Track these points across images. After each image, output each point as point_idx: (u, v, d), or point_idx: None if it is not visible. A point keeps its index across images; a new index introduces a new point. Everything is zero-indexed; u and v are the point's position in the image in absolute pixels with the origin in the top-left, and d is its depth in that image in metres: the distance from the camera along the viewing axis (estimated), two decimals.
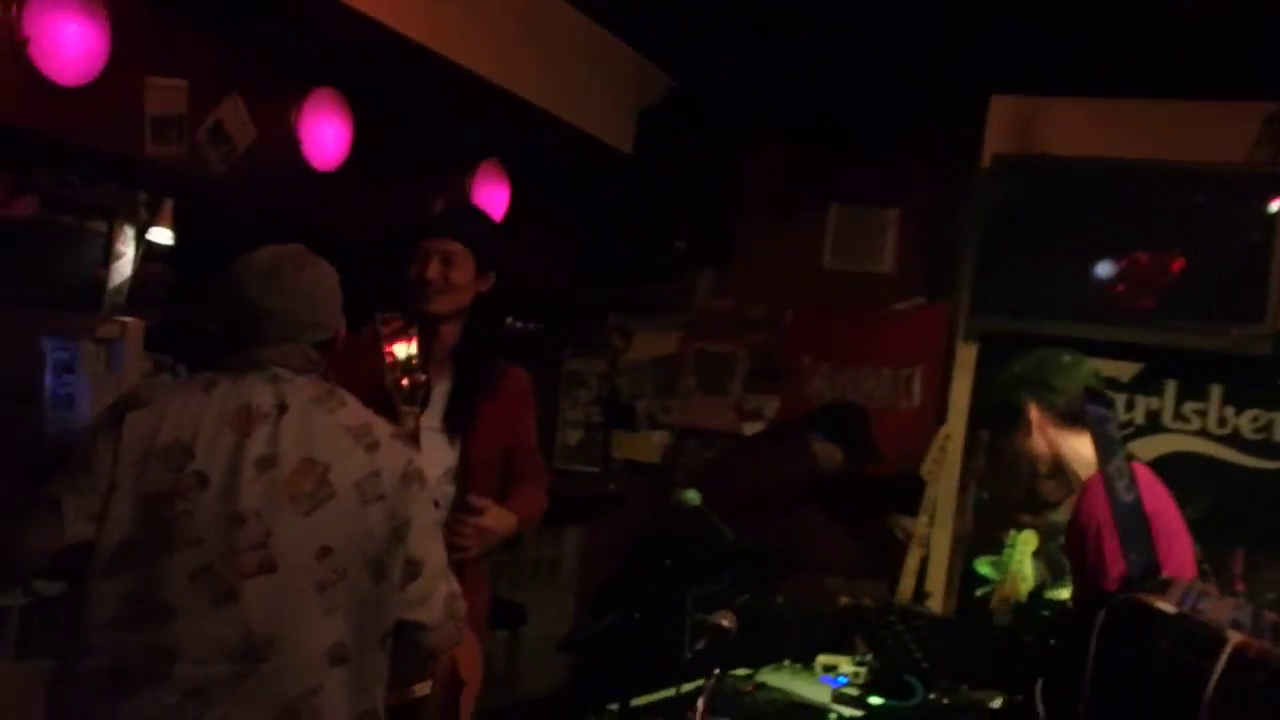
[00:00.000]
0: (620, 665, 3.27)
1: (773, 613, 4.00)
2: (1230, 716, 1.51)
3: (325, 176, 4.04)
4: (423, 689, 2.49)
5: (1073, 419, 2.61)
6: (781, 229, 5.25)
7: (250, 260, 2.10)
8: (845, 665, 3.65)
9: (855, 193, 5.15)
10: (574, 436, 5.62)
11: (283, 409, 2.01)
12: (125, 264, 3.82)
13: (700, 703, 2.23)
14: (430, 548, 2.11)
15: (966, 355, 4.77)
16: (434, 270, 2.78)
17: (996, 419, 2.87)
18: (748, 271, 5.31)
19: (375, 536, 2.02)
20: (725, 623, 2.39)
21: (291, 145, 3.89)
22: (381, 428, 2.11)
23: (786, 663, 3.74)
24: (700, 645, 2.33)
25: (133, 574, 1.94)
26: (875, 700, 3.59)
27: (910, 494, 4.79)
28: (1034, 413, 2.70)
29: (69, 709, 1.98)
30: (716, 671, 2.30)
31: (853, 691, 3.55)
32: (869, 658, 3.69)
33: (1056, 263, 4.36)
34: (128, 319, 3.50)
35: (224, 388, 2.03)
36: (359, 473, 2.02)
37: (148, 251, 3.85)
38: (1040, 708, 1.65)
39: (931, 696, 3.61)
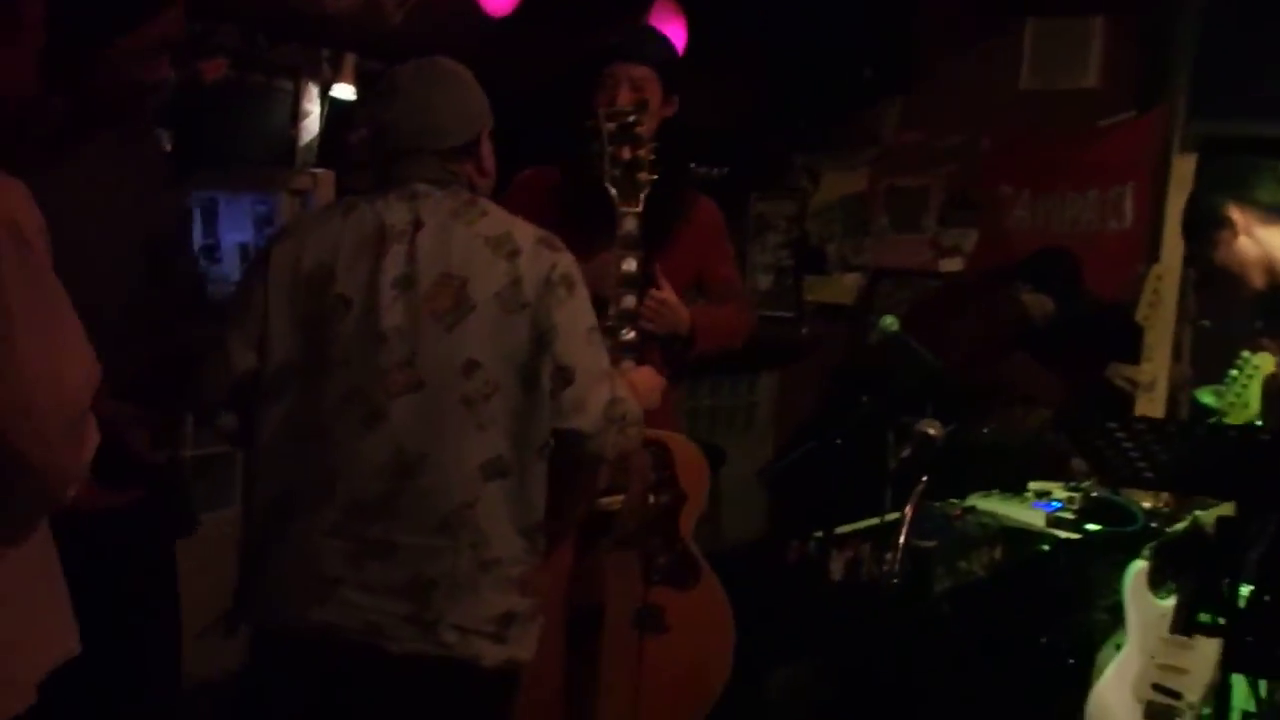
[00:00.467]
0: (821, 496, 3.24)
1: (980, 442, 3.88)
2: None
3: (499, 23, 4.00)
4: (612, 503, 2.46)
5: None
6: (973, 50, 4.94)
7: (380, 81, 2.07)
8: (1058, 491, 3.53)
9: (1052, 3, 4.79)
10: (765, 281, 5.53)
11: (418, 225, 1.98)
12: (313, 122, 3.89)
13: (907, 511, 2.14)
14: (582, 352, 2.00)
15: (1183, 167, 4.42)
16: (625, 97, 2.67)
17: (1197, 231, 2.78)
18: (939, 99, 5.03)
19: (522, 345, 1.97)
20: (931, 430, 2.30)
21: None
22: (524, 233, 2.02)
23: (995, 492, 3.64)
24: (906, 453, 2.23)
25: (292, 398, 1.98)
26: (1093, 526, 3.47)
27: (1127, 337, 4.54)
28: (1236, 214, 2.64)
29: (248, 540, 2.04)
30: (924, 479, 2.20)
31: (1068, 516, 3.44)
32: (1084, 484, 3.55)
33: None
34: (319, 170, 3.58)
35: (362, 209, 2.01)
36: (499, 283, 1.96)
37: (332, 109, 3.91)
38: None
39: (1153, 525, 3.46)
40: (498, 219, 2.03)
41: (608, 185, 2.45)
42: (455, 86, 2.06)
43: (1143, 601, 3.23)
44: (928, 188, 5.21)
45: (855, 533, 3.13)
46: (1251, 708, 2.98)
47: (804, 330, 5.36)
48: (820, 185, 5.50)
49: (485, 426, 1.95)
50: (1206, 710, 3.06)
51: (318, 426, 1.96)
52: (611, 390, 2.03)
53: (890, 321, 3.66)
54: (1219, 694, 2.49)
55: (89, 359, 1.60)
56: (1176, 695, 3.14)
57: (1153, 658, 3.17)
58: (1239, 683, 2.89)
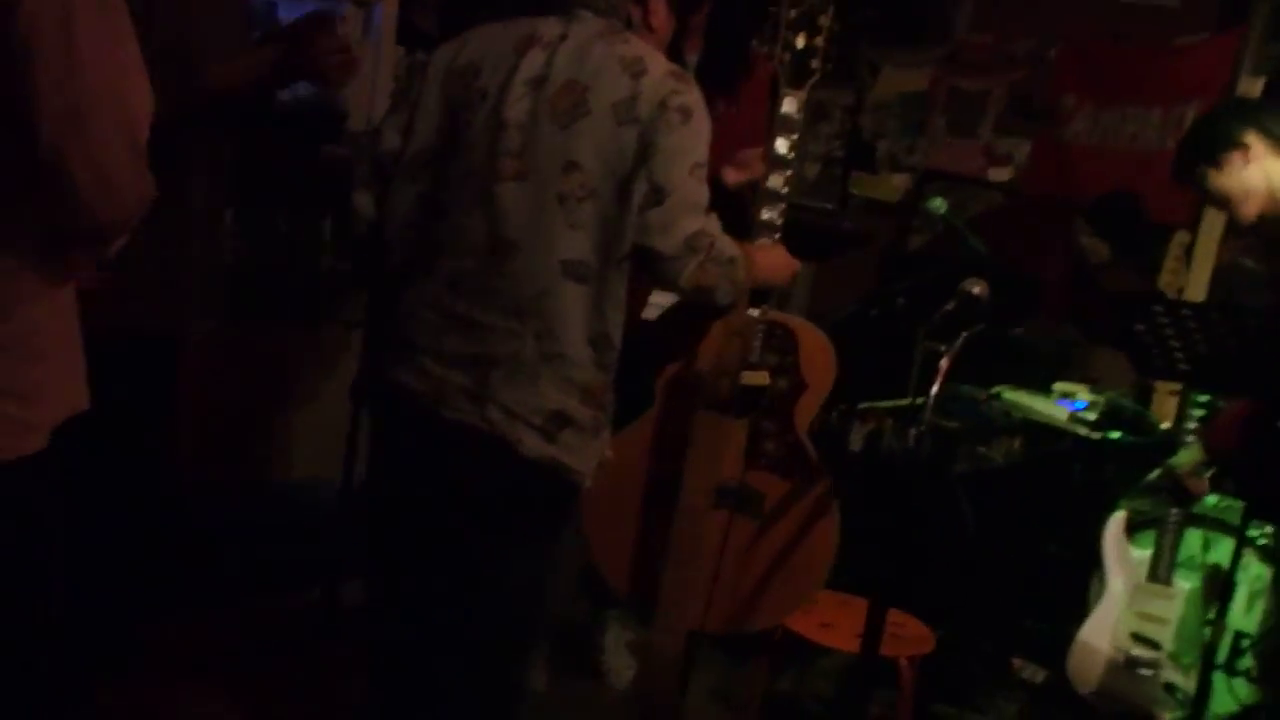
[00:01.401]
0: (852, 373, 3.24)
1: (1012, 340, 3.87)
2: None
3: None
4: (756, 378, 2.48)
5: None
6: None
7: None
8: (1083, 393, 3.53)
9: None
10: (812, 170, 5.47)
11: (563, 38, 2.11)
12: None
13: (943, 365, 2.13)
14: (680, 179, 2.06)
15: (1250, 90, 4.32)
16: None
17: (1206, 150, 2.83)
18: (1015, 1, 4.93)
19: (625, 157, 2.05)
20: (976, 289, 2.27)
21: None
22: (659, 64, 2.10)
23: (1022, 389, 3.64)
24: (949, 307, 2.22)
25: (426, 177, 2.14)
26: (1115, 434, 3.48)
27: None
28: (1254, 140, 2.74)
29: (374, 306, 2.25)
30: (964, 334, 2.19)
31: (1090, 416, 3.44)
32: (1107, 392, 3.55)
33: None
34: None
35: (522, 21, 2.16)
36: (618, 95, 2.05)
37: None
38: None
39: (1166, 427, 3.47)
40: (639, 47, 2.13)
41: (777, 65, 2.51)
42: None
43: (1120, 550, 3.26)
44: (989, 92, 5.12)
45: (879, 408, 3.15)
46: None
47: (845, 223, 5.32)
48: (879, 79, 5.41)
49: (575, 226, 2.05)
50: (1187, 660, 3.11)
51: (438, 203, 2.12)
52: (701, 224, 2.09)
53: (939, 203, 3.64)
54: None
55: (148, 92, 1.58)
56: (1155, 645, 3.19)
57: (1131, 606, 3.22)
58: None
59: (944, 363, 2.13)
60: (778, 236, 2.48)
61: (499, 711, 2.23)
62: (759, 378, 2.51)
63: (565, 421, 2.08)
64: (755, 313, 2.48)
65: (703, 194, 2.12)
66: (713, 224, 2.13)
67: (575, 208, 2.05)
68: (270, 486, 3.73)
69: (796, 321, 2.61)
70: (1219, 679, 3.10)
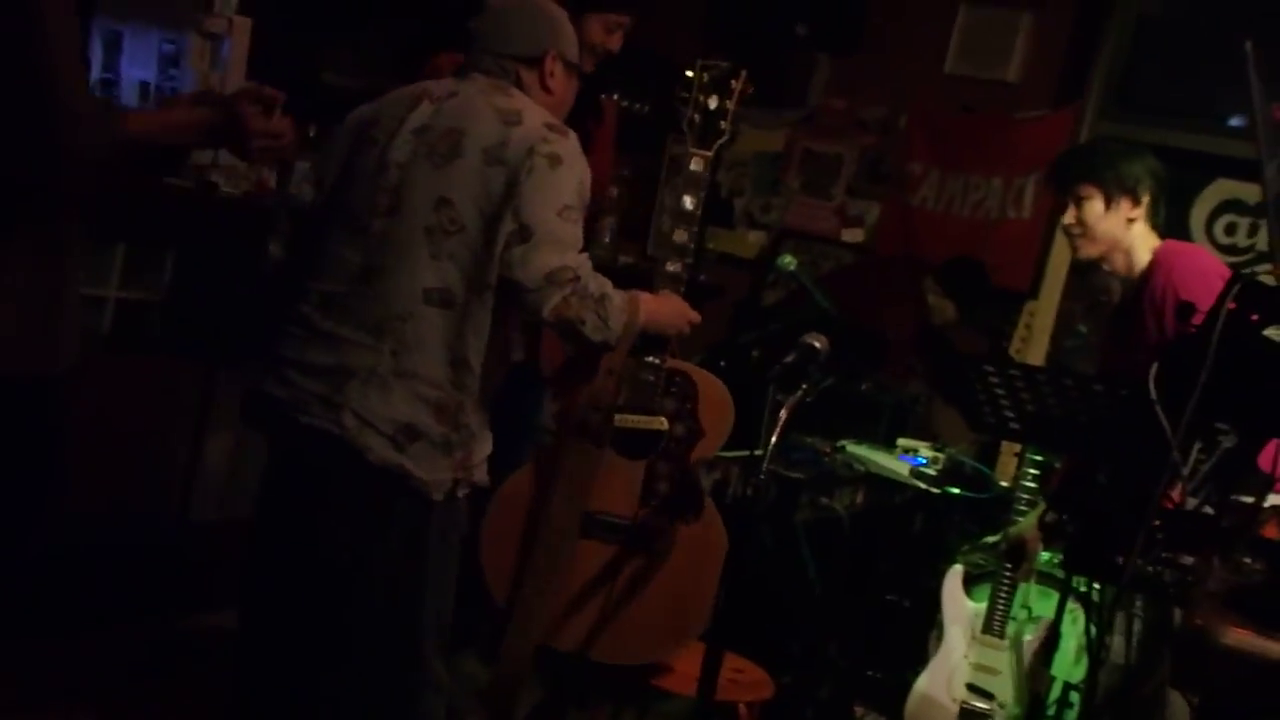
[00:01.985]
0: None
1: (858, 395, 3.97)
2: None
3: None
4: (654, 423, 2.62)
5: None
6: (908, 25, 5.02)
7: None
8: (924, 449, 3.63)
9: None
10: (669, 224, 5.53)
11: (453, 95, 2.31)
12: None
13: (782, 415, 2.17)
14: (545, 218, 2.21)
15: None
16: (616, 41, 3.03)
17: (1075, 175, 2.96)
18: (867, 69, 5.10)
19: (492, 196, 2.21)
20: (817, 343, 2.33)
21: None
22: (537, 117, 2.27)
23: (865, 441, 3.73)
24: (789, 359, 2.27)
25: (326, 215, 2.35)
26: (954, 490, 3.58)
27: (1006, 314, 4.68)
28: (1114, 190, 2.87)
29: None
30: (803, 387, 2.24)
31: (931, 472, 3.54)
32: (949, 448, 3.66)
33: (1202, 72, 4.10)
34: (235, 16, 3.45)
35: (422, 82, 2.39)
36: (488, 140, 2.23)
37: None
38: (1153, 391, 1.58)
39: (1005, 485, 3.59)
40: (519, 101, 2.31)
41: (685, 127, 2.69)
42: (528, 8, 2.43)
43: (957, 602, 3.36)
44: (842, 156, 5.29)
45: (726, 457, 3.18)
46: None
47: (701, 277, 5.39)
48: (737, 138, 5.52)
49: (439, 257, 2.21)
50: (1017, 710, 3.21)
51: (323, 236, 2.31)
52: (564, 260, 2.22)
53: (789, 260, 3.71)
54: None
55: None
56: (989, 695, 3.28)
57: (966, 657, 3.31)
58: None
59: (783, 413, 2.18)
60: (682, 290, 2.63)
61: (398, 704, 2.30)
62: (657, 423, 2.62)
63: (415, 434, 2.20)
64: (654, 360, 2.59)
65: (571, 234, 2.25)
66: (580, 262, 2.24)
67: (442, 240, 2.21)
68: (154, 516, 3.64)
69: (698, 372, 2.72)
70: None
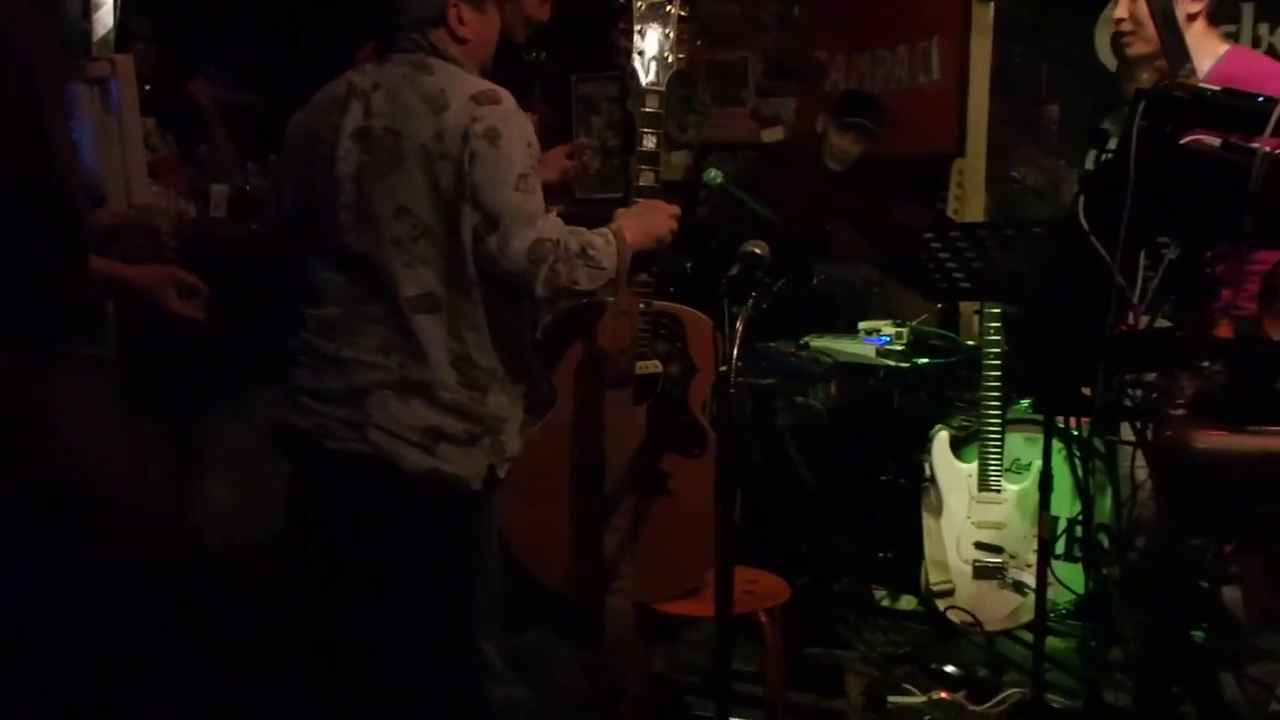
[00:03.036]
0: None
1: (811, 291, 3.99)
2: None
3: None
4: (649, 367, 2.62)
5: None
6: None
7: None
8: (886, 328, 3.66)
9: None
10: (593, 163, 5.51)
11: (376, 86, 2.25)
12: (106, 13, 3.67)
13: (739, 326, 2.17)
14: (505, 199, 2.18)
15: (983, 15, 4.57)
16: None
17: None
18: None
19: (446, 192, 2.18)
20: (757, 249, 2.32)
21: None
22: (460, 91, 2.21)
23: (828, 334, 3.76)
24: (734, 271, 2.27)
25: (295, 240, 2.34)
26: (921, 360, 3.62)
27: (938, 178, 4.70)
28: None
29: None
30: (754, 295, 2.24)
31: (897, 348, 3.57)
32: (909, 323, 3.70)
33: None
34: (116, 56, 3.38)
35: (344, 75, 2.32)
36: (425, 135, 2.19)
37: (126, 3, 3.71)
38: (1084, 223, 1.60)
39: (971, 344, 3.64)
40: (440, 77, 2.24)
41: (634, 64, 2.59)
42: None
43: (948, 467, 3.41)
44: (746, 59, 5.27)
45: None
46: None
47: None
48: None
49: (413, 265, 2.20)
50: (1029, 557, 3.27)
51: (303, 259, 2.30)
52: (537, 232, 2.19)
53: (714, 174, 3.72)
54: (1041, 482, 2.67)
55: None
56: (998, 550, 3.35)
57: (968, 518, 3.37)
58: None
59: (739, 325, 2.17)
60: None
61: (462, 692, 2.34)
62: (652, 366, 2.63)
63: (440, 436, 2.22)
64: (640, 305, 2.58)
65: (535, 203, 2.22)
66: (553, 226, 2.23)
67: (411, 248, 2.20)
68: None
69: (681, 309, 2.72)
70: (1064, 568, 3.27)
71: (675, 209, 2.57)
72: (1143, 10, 2.61)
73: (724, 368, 2.18)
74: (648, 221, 2.50)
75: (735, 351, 2.17)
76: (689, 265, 3.35)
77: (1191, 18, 2.62)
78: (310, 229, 2.30)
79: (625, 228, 2.40)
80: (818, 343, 3.61)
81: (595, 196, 5.42)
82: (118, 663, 2.68)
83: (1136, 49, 2.65)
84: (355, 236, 2.23)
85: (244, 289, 2.59)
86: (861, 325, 3.70)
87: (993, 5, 4.56)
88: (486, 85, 2.25)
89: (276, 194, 2.41)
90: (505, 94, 2.24)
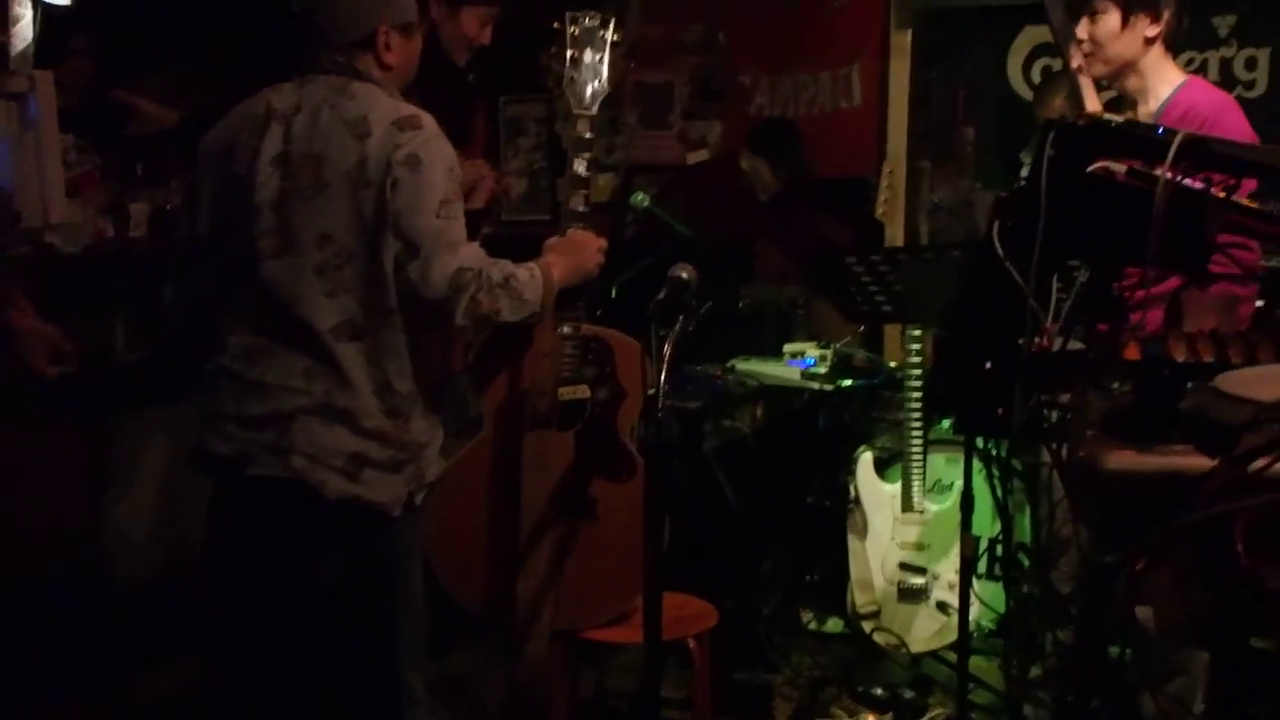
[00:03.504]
0: None
1: (736, 313, 4.01)
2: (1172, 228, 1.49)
3: None
4: (577, 392, 2.61)
5: None
6: None
7: None
8: (811, 350, 3.69)
9: None
10: (519, 186, 5.51)
11: (296, 109, 2.21)
12: (25, 27, 3.61)
13: (666, 350, 2.18)
14: (426, 226, 2.15)
15: (902, 42, 4.66)
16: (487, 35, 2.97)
17: None
18: None
19: (368, 220, 2.16)
20: (684, 274, 2.32)
21: None
22: (382, 117, 2.18)
23: (753, 357, 3.78)
24: (661, 295, 2.27)
25: (210, 262, 2.29)
26: (845, 382, 3.65)
27: (857, 195, 4.77)
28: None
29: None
30: (681, 318, 2.25)
31: (821, 371, 3.60)
32: (833, 345, 3.73)
33: None
34: (35, 72, 3.32)
35: (262, 94, 2.27)
36: (348, 163, 2.16)
37: (45, 11, 3.65)
38: (999, 248, 1.63)
39: (894, 365, 3.68)
40: (362, 102, 2.20)
41: (565, 88, 2.58)
42: None
43: (872, 488, 3.45)
44: (672, 82, 5.30)
45: None
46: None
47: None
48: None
49: (335, 293, 2.18)
50: (953, 577, 3.31)
51: (217, 287, 2.26)
52: (460, 260, 2.18)
53: (641, 198, 3.73)
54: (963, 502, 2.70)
55: None
56: (921, 570, 3.39)
57: (893, 539, 3.41)
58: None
59: (667, 348, 2.17)
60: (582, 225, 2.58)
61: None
62: (580, 391, 2.62)
63: (364, 462, 2.20)
64: (568, 329, 2.57)
65: (456, 230, 2.20)
66: (475, 255, 2.21)
67: (333, 276, 2.18)
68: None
69: (610, 333, 2.70)
70: (987, 587, 3.31)
71: (602, 242, 2.58)
72: (1103, 31, 2.65)
73: (651, 391, 2.18)
74: (575, 256, 2.51)
75: (664, 375, 2.18)
76: (614, 288, 3.36)
77: (1149, 41, 2.67)
78: (227, 253, 2.25)
79: (553, 263, 2.41)
80: (744, 365, 3.63)
81: (522, 219, 5.44)
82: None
83: (1095, 70, 2.68)
84: (275, 263, 2.19)
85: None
86: (787, 347, 3.73)
87: (910, 31, 4.66)
88: (409, 110, 2.23)
89: (188, 212, 2.35)
90: (427, 118, 2.22)
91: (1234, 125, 2.57)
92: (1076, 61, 2.61)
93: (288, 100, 2.23)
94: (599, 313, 3.47)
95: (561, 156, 5.56)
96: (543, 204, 5.48)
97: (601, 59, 2.59)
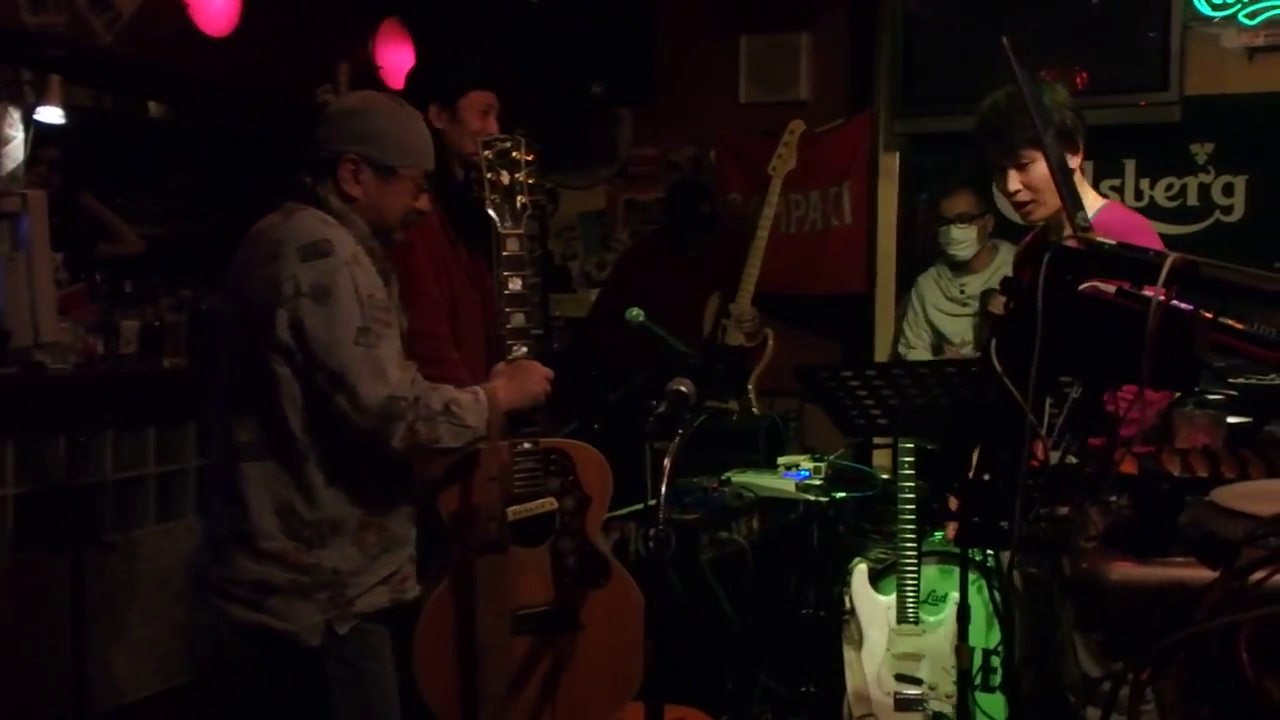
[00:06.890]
0: None
1: (731, 426, 4.06)
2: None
3: (218, 42, 3.92)
4: (544, 505, 2.59)
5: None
6: (697, 65, 5.21)
7: None
8: (805, 462, 3.73)
9: (764, 21, 5.11)
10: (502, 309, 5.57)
11: (260, 232, 2.27)
12: (16, 148, 3.69)
13: (667, 463, 2.22)
14: (345, 356, 2.16)
15: (889, 163, 4.81)
16: (491, 125, 2.81)
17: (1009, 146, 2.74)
18: (668, 114, 5.26)
19: (276, 343, 2.18)
20: (683, 388, 2.38)
21: (179, 10, 3.77)
22: (291, 243, 2.18)
23: (749, 469, 3.82)
24: (660, 409, 2.32)
25: None
26: (839, 494, 3.69)
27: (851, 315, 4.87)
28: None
29: None
30: (680, 433, 2.29)
31: (816, 482, 3.64)
32: (827, 457, 3.78)
33: (972, 58, 4.34)
34: (28, 190, 3.37)
35: (262, 221, 2.32)
36: (256, 285, 2.20)
37: (38, 132, 3.73)
38: (997, 365, 1.68)
39: (886, 478, 3.72)
40: (289, 226, 2.22)
41: (489, 210, 2.56)
42: (335, 112, 2.38)
43: (867, 599, 3.47)
44: (663, 200, 5.42)
45: (620, 516, 3.21)
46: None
47: (555, 346, 5.45)
48: (560, 203, 5.63)
49: (240, 413, 2.22)
50: (946, 689, 3.31)
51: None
52: (390, 388, 2.17)
53: (636, 313, 3.80)
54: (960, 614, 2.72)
55: None
56: (917, 681, 3.39)
57: (888, 650, 3.42)
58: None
59: (667, 462, 2.21)
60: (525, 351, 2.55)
61: None
62: (547, 505, 2.60)
63: (267, 589, 2.20)
64: (529, 445, 2.55)
65: (380, 356, 2.18)
66: (407, 383, 2.20)
67: (240, 395, 2.23)
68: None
69: (568, 443, 2.72)
70: (985, 697, 3.30)
71: (548, 371, 2.57)
72: (1035, 178, 2.71)
73: (652, 503, 2.21)
74: (523, 382, 2.49)
75: (664, 488, 2.21)
76: (615, 401, 3.40)
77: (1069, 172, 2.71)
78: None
79: (499, 388, 2.40)
80: (739, 477, 3.67)
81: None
82: None
83: (1039, 214, 2.75)
84: (218, 384, 2.29)
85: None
86: (781, 460, 3.77)
87: (898, 154, 4.80)
88: (319, 236, 2.20)
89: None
90: (338, 245, 2.20)
91: (1147, 242, 2.63)
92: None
93: (266, 220, 2.29)
94: (596, 427, 3.52)
95: (553, 270, 5.68)
96: (536, 319, 5.53)
97: (518, 177, 2.59)
